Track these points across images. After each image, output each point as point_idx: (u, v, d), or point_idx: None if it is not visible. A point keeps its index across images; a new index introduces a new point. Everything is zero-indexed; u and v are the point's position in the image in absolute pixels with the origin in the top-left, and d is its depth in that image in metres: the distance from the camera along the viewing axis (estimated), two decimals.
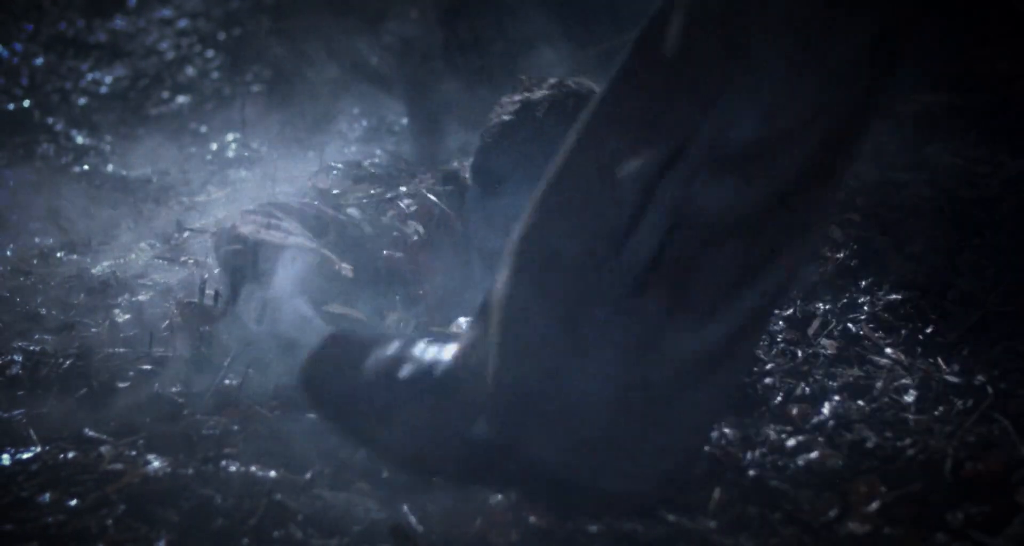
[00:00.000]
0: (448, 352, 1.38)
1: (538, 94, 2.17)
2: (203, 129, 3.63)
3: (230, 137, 3.53)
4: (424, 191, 2.28)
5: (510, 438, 1.29)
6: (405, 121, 3.46)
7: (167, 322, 2.01)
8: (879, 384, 1.72)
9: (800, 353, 1.83)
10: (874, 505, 1.43)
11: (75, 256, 2.51)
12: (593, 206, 1.20)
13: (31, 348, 1.96)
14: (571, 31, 3.01)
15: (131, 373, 1.86)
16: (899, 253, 2.08)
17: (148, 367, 1.88)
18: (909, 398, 1.69)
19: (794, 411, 1.66)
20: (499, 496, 1.38)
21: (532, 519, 1.35)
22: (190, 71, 4.06)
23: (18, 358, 1.91)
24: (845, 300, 1.98)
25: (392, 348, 1.44)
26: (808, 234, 1.22)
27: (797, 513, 1.43)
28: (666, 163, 1.14)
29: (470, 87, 3.16)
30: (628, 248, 1.17)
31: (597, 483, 1.29)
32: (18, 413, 1.75)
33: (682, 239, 1.16)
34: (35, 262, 2.48)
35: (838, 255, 2.09)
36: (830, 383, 1.74)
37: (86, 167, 3.37)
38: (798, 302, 1.99)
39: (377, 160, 3.01)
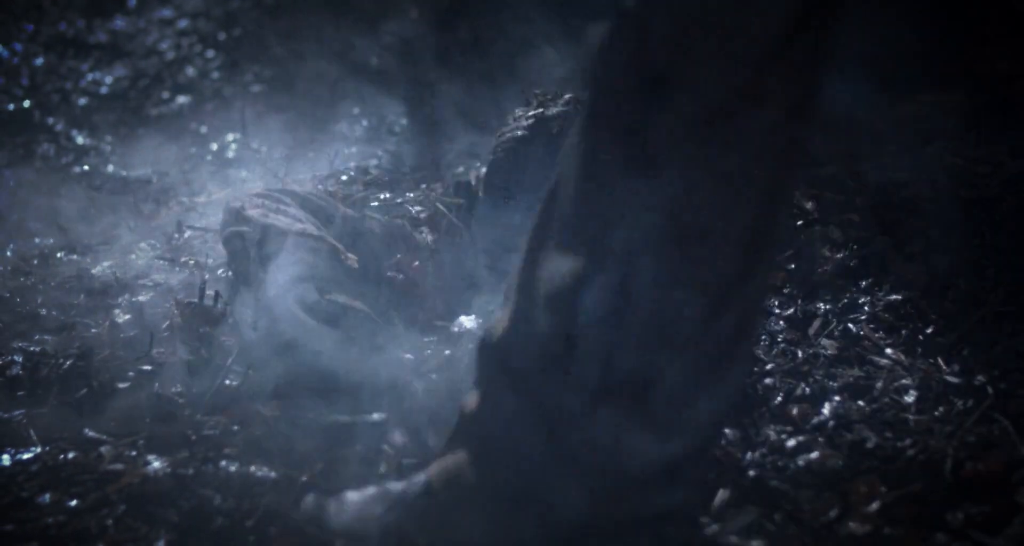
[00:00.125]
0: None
1: (553, 110, 2.17)
2: (203, 129, 3.63)
3: (230, 137, 3.53)
4: (434, 200, 2.29)
5: None
6: (405, 121, 3.46)
7: (167, 323, 2.01)
8: (879, 384, 1.72)
9: (800, 353, 1.83)
10: (874, 505, 1.43)
11: (75, 256, 2.51)
12: (543, 318, 1.23)
13: (31, 348, 1.96)
14: (571, 31, 3.01)
15: (131, 373, 1.87)
16: (899, 253, 2.07)
17: (148, 368, 1.88)
18: (909, 398, 1.69)
19: (794, 411, 1.66)
20: None
21: None
22: (190, 71, 4.06)
23: (18, 358, 1.91)
24: (845, 300, 1.98)
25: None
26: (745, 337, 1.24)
27: (797, 513, 1.43)
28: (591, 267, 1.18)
29: (470, 87, 3.16)
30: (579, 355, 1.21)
31: None
32: (18, 413, 1.75)
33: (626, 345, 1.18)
34: (35, 262, 2.48)
35: (838, 255, 2.09)
36: (830, 383, 1.74)
37: (86, 167, 3.37)
38: (799, 302, 1.99)
39: (380, 162, 3.02)
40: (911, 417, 1.63)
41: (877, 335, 1.88)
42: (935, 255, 2.05)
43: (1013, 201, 2.16)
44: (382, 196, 2.44)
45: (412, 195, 2.39)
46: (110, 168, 3.38)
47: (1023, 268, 1.98)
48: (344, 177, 2.72)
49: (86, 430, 1.69)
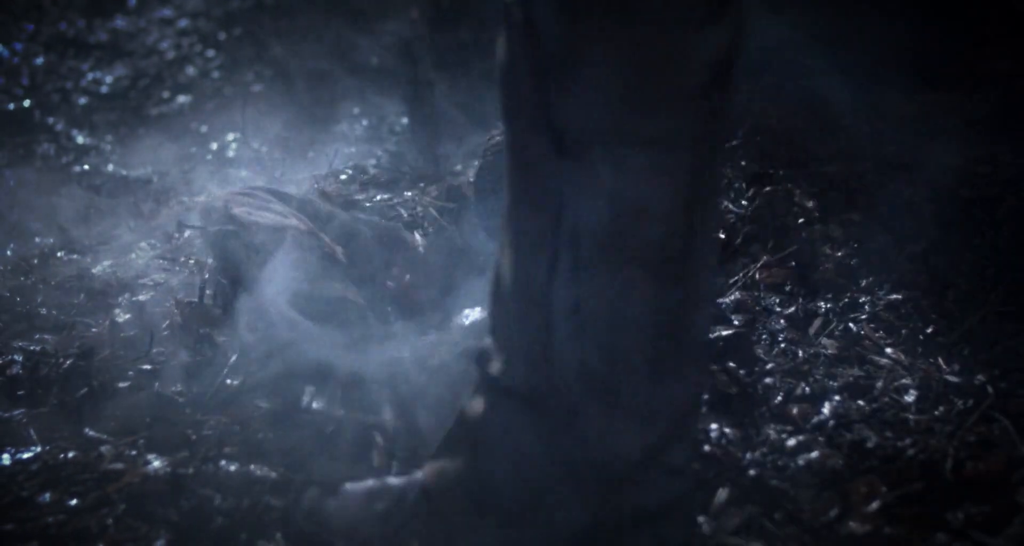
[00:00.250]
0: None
1: None
2: (203, 129, 3.63)
3: (230, 137, 3.53)
4: (428, 204, 2.29)
5: None
6: (405, 121, 3.46)
7: (167, 322, 2.01)
8: (879, 384, 1.72)
9: (801, 353, 1.83)
10: (874, 505, 1.43)
11: (75, 256, 2.51)
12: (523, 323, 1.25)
13: (31, 348, 1.96)
14: None
15: (131, 373, 1.87)
16: (900, 253, 2.08)
17: (148, 367, 1.88)
18: (909, 398, 1.69)
19: (794, 411, 1.66)
20: None
21: None
22: (190, 71, 4.06)
23: (18, 358, 1.91)
24: (846, 299, 1.98)
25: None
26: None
27: (798, 513, 1.43)
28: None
29: (472, 87, 3.16)
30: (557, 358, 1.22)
31: None
32: (18, 413, 1.75)
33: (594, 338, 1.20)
34: (35, 262, 2.48)
35: (839, 253, 2.10)
36: (830, 383, 1.74)
37: (86, 167, 3.37)
38: (800, 300, 1.99)
39: (379, 162, 3.02)
40: (911, 417, 1.63)
41: (878, 335, 1.88)
42: (935, 255, 2.05)
43: (1013, 201, 2.16)
44: (378, 197, 2.44)
45: (409, 194, 2.40)
46: (110, 168, 3.38)
47: (1023, 268, 1.99)
48: (343, 176, 2.72)
49: (86, 429, 1.69)
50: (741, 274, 2.06)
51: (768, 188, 2.29)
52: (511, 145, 1.22)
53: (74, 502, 1.49)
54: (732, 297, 1.98)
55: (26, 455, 1.61)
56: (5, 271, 2.40)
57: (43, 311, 2.15)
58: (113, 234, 2.65)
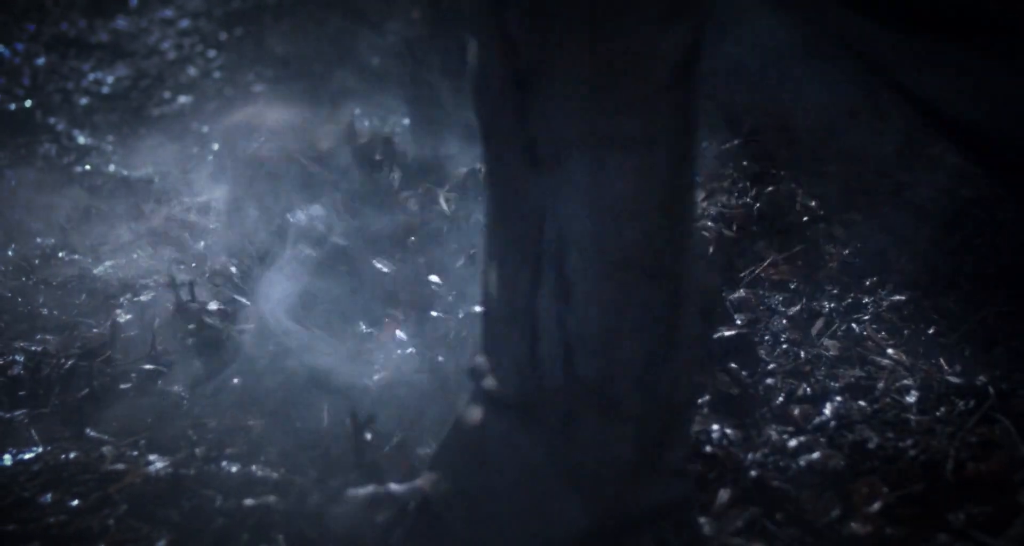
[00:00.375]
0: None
1: None
2: (205, 129, 3.63)
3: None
4: (425, 204, 2.30)
5: None
6: (406, 121, 3.45)
7: (168, 322, 2.01)
8: (881, 385, 1.72)
9: (803, 353, 1.83)
10: (876, 505, 1.43)
11: (76, 256, 2.51)
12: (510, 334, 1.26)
13: (32, 348, 1.96)
14: None
15: (133, 374, 1.87)
16: (901, 253, 2.08)
17: (150, 367, 1.88)
18: (911, 399, 1.68)
19: (796, 412, 1.66)
20: None
21: None
22: (192, 71, 4.06)
23: (20, 358, 1.91)
24: (849, 299, 1.98)
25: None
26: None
27: (799, 513, 1.43)
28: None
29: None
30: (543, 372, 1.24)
31: None
32: (20, 413, 1.75)
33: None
34: (36, 262, 2.48)
35: (844, 252, 2.10)
36: (832, 384, 1.74)
37: (88, 167, 3.37)
38: (803, 299, 1.99)
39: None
40: (913, 417, 1.63)
41: (880, 335, 1.88)
42: (937, 255, 2.05)
43: (1013, 201, 2.16)
44: (376, 197, 2.44)
45: (405, 194, 2.40)
46: (111, 168, 3.38)
47: (1023, 268, 1.98)
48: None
49: (88, 430, 1.70)
50: (747, 272, 2.06)
51: (771, 188, 2.29)
52: (488, 159, 1.23)
53: (76, 503, 1.49)
54: (737, 295, 1.98)
55: (27, 456, 1.61)
56: (6, 271, 2.40)
57: (44, 311, 2.15)
58: (115, 234, 2.65)
